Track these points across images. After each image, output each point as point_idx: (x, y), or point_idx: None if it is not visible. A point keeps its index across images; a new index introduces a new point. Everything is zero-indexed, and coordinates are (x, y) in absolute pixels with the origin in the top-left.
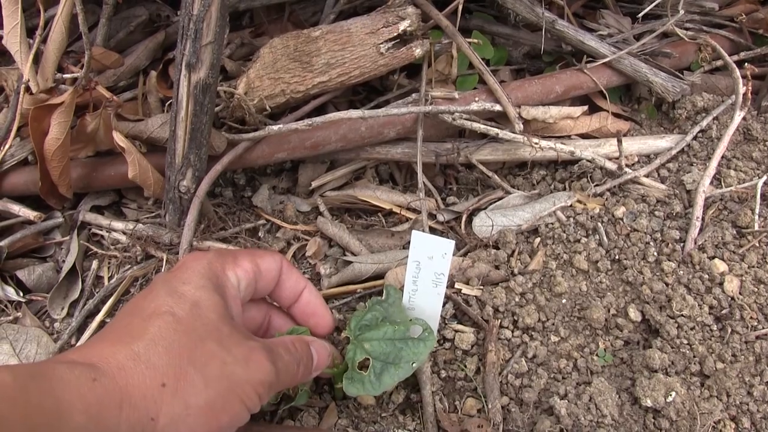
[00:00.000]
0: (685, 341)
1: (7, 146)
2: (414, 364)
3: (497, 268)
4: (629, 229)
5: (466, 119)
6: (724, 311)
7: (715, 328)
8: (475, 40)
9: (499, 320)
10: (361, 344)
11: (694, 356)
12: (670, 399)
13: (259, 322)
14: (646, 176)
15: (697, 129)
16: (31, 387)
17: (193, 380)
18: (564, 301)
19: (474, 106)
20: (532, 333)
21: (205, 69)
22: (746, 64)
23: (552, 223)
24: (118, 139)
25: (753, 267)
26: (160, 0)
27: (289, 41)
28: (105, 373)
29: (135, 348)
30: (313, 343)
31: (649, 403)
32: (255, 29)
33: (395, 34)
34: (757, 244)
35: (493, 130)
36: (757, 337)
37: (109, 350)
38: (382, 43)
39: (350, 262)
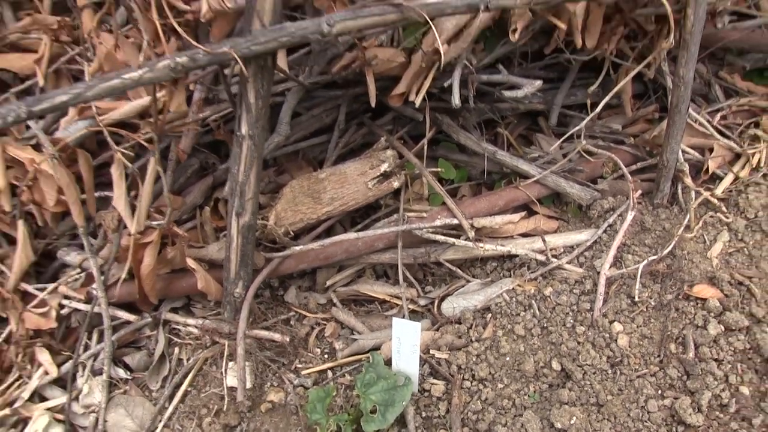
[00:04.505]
0: (588, 382)
1: (111, 269)
2: (404, 403)
3: (460, 338)
4: (554, 303)
5: (432, 233)
6: (616, 359)
7: (609, 371)
8: (441, 169)
9: (462, 375)
10: (368, 397)
11: (593, 391)
12: (572, 422)
13: None
14: (569, 263)
15: (605, 224)
16: None
17: None
18: (507, 358)
19: (437, 222)
20: (485, 382)
21: (248, 215)
22: (631, 177)
23: (500, 303)
24: (191, 262)
25: (640, 326)
26: (207, 150)
27: (303, 182)
28: None
29: None
30: None
31: (559, 425)
32: (278, 168)
33: (379, 173)
34: (645, 309)
35: (451, 240)
36: (638, 376)
37: None
38: (369, 181)
39: (356, 339)
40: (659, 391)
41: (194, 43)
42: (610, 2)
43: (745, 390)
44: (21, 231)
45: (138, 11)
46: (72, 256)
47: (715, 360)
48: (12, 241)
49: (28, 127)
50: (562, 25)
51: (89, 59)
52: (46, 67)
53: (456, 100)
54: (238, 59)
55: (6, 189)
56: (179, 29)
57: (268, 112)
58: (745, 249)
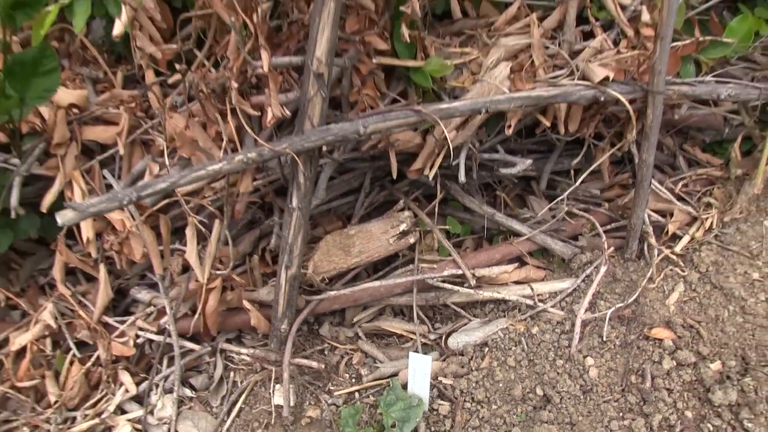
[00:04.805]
0: (564, 405)
1: (180, 305)
2: (417, 419)
3: (462, 367)
4: (539, 340)
5: (441, 281)
6: (587, 387)
7: (581, 397)
8: (448, 226)
9: (463, 398)
10: (389, 414)
11: (568, 413)
12: None
13: None
14: (552, 307)
15: (584, 275)
16: None
17: None
18: (500, 385)
19: (445, 273)
20: (482, 404)
21: (294, 268)
22: (605, 236)
23: (495, 339)
24: (246, 303)
25: (607, 361)
26: (254, 206)
27: (336, 237)
28: None
29: None
30: None
31: None
32: (313, 222)
33: (398, 231)
34: (612, 347)
35: (456, 288)
36: (604, 402)
37: None
38: (390, 238)
39: (378, 367)
40: (620, 414)
41: (262, 141)
42: (586, 104)
43: (689, 414)
44: (102, 273)
45: (209, 108)
46: (143, 294)
47: (667, 389)
48: (89, 279)
49: (108, 187)
50: (547, 123)
51: (160, 131)
52: (125, 138)
53: (462, 177)
54: (294, 155)
55: (93, 239)
56: (249, 131)
57: (312, 188)
58: (697, 298)
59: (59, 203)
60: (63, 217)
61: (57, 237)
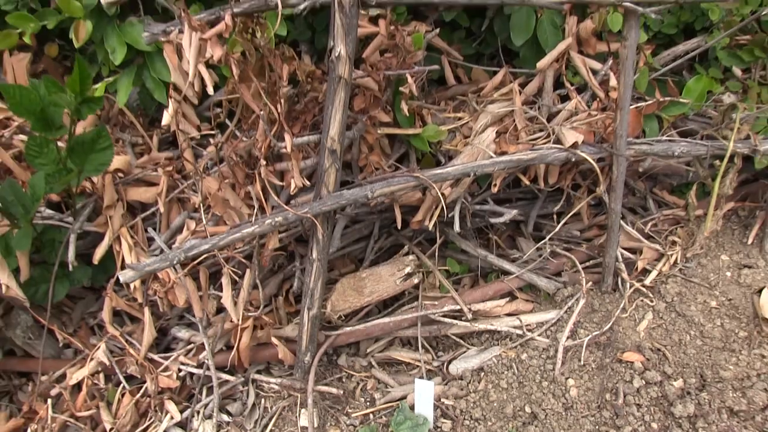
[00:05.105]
0: (548, 421)
1: (217, 342)
2: None
3: (461, 390)
4: (528, 365)
5: (442, 316)
6: (569, 405)
7: (563, 413)
8: (448, 267)
9: (463, 416)
10: None
11: (551, 428)
12: None
13: None
14: (539, 335)
15: (566, 307)
16: None
17: None
18: (494, 404)
19: (446, 308)
20: (479, 421)
21: (315, 309)
22: (584, 272)
23: (490, 364)
24: (274, 340)
25: (585, 381)
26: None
27: (350, 280)
28: None
29: None
30: None
31: None
32: (329, 265)
33: (404, 274)
34: (590, 369)
35: (455, 321)
36: (582, 417)
37: None
38: (397, 279)
39: (389, 391)
40: (596, 427)
41: (287, 207)
42: (560, 164)
43: (654, 425)
44: (147, 315)
45: (239, 173)
46: (183, 333)
47: (636, 405)
48: (133, 320)
49: (150, 240)
50: (526, 181)
51: (195, 191)
52: (164, 197)
53: (457, 227)
54: (314, 219)
55: (140, 286)
56: (275, 198)
57: (329, 242)
58: (663, 325)
59: (108, 255)
60: (125, 276)
61: (104, 284)
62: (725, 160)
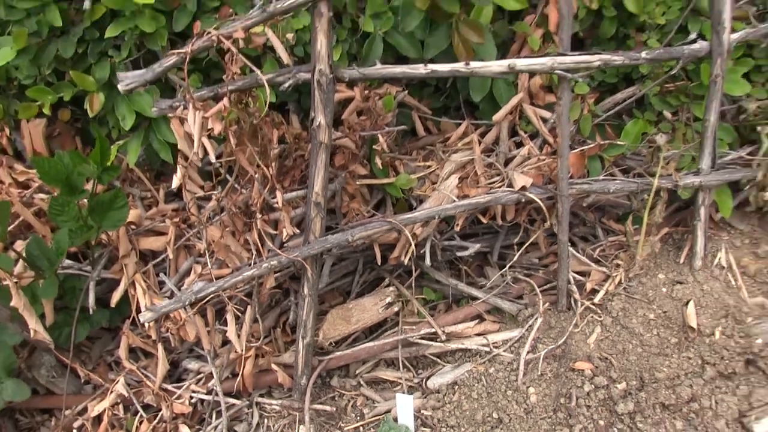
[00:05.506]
0: (512, 424)
1: (223, 371)
2: None
3: (438, 402)
4: (495, 377)
5: (419, 339)
6: (529, 409)
7: (525, 417)
8: (424, 295)
9: (440, 424)
10: None
11: (515, 429)
12: None
13: None
14: (504, 351)
15: (527, 325)
16: None
17: None
18: (467, 412)
19: (423, 332)
20: (453, 428)
21: (309, 337)
22: (541, 295)
23: (463, 378)
24: (274, 366)
25: (543, 389)
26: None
27: (339, 311)
28: None
29: None
30: None
31: None
32: (320, 298)
33: (385, 303)
34: (547, 379)
35: (431, 343)
36: (541, 419)
37: None
38: (380, 308)
39: (376, 406)
40: (553, 427)
41: (280, 252)
42: (513, 204)
43: (601, 422)
44: (161, 350)
45: (238, 222)
46: (192, 364)
47: (586, 406)
48: (146, 355)
49: (161, 284)
50: (485, 220)
51: (199, 238)
52: (173, 245)
53: (428, 261)
54: (303, 261)
55: (153, 325)
56: (271, 245)
57: (318, 280)
58: (610, 337)
59: (124, 299)
60: (144, 317)
61: (120, 324)
62: (652, 194)
